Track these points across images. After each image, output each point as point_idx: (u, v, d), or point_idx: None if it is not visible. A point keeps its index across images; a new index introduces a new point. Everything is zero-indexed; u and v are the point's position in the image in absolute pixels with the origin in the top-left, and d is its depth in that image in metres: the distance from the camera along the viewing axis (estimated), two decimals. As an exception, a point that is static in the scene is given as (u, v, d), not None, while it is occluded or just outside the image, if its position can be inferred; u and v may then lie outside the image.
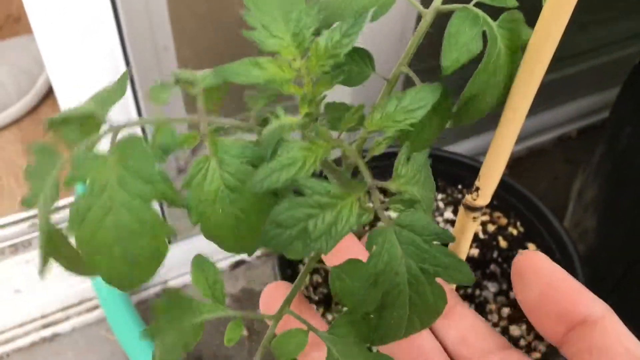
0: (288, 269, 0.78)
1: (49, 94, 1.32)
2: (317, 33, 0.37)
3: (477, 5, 0.38)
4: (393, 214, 0.33)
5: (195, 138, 0.34)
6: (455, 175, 0.92)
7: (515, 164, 1.25)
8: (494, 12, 0.37)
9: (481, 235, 0.85)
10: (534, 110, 1.19)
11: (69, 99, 0.71)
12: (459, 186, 0.93)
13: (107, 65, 0.68)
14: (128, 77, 0.34)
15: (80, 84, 0.69)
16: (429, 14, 0.42)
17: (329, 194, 0.30)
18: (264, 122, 0.35)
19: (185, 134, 0.33)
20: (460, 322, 0.37)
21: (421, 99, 0.38)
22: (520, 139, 1.27)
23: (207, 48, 0.86)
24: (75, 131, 0.26)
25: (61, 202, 0.99)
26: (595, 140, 1.04)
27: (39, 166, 0.26)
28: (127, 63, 0.71)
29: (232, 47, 0.93)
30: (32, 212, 1.10)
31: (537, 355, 0.73)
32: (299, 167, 0.30)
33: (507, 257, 0.83)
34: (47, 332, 0.95)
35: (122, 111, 0.73)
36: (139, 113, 0.76)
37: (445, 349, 0.37)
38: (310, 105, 0.38)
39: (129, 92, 0.73)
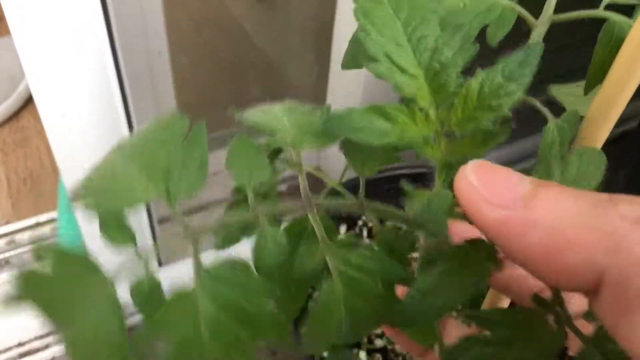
0: None
1: (32, 98, 1.15)
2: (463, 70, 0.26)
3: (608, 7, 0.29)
4: None
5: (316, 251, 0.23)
6: None
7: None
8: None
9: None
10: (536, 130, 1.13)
11: (50, 108, 0.56)
12: None
13: (94, 69, 0.54)
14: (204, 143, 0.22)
15: (63, 92, 0.55)
16: (540, 26, 0.31)
17: None
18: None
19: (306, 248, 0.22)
20: None
21: (592, 162, 0.27)
22: (525, 157, 1.21)
23: (204, 55, 0.73)
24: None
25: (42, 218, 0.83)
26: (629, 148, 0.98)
27: None
28: (117, 69, 0.58)
29: (230, 55, 0.80)
30: (11, 227, 0.94)
31: None
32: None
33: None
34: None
35: (111, 118, 0.59)
36: (129, 122, 0.62)
37: None
38: (448, 175, 0.27)
39: (117, 96, 0.59)
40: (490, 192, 0.21)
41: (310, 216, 0.25)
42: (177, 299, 0.22)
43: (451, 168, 0.27)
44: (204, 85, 0.79)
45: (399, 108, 0.26)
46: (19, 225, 0.96)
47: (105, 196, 0.22)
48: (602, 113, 0.29)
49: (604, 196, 0.19)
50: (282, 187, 0.93)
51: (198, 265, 0.22)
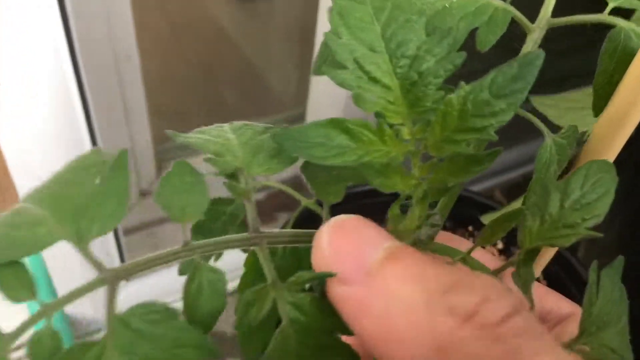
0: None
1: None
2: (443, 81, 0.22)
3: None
4: None
5: (265, 297, 0.19)
6: (464, 215, 0.79)
7: (512, 190, 1.15)
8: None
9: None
10: (530, 138, 1.10)
11: (4, 119, 0.52)
12: (469, 228, 0.80)
13: (51, 75, 0.50)
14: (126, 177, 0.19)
15: (17, 100, 0.50)
16: (537, 30, 0.28)
17: None
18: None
19: (248, 296, 0.19)
20: None
21: (599, 184, 0.24)
22: (517, 165, 1.18)
23: (178, 58, 0.69)
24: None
25: None
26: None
27: None
28: (77, 74, 0.53)
29: (207, 59, 0.76)
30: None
31: None
32: None
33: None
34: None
35: (71, 129, 0.54)
36: (92, 134, 0.58)
37: None
38: (423, 208, 0.23)
39: (79, 110, 0.54)
40: (337, 262, 0.19)
41: (259, 253, 0.21)
42: (78, 353, 0.17)
43: (426, 199, 0.23)
44: (178, 90, 0.74)
45: (364, 124, 0.22)
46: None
47: (2, 246, 0.18)
48: (611, 130, 0.26)
49: (447, 280, 0.18)
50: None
51: (111, 311, 0.18)
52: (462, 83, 0.22)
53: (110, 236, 0.67)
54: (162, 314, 0.18)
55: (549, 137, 0.27)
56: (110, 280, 0.19)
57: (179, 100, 0.74)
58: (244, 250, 0.23)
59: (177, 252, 0.20)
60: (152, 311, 0.18)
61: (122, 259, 0.70)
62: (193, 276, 0.20)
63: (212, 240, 0.21)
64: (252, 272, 0.25)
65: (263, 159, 0.22)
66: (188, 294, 0.19)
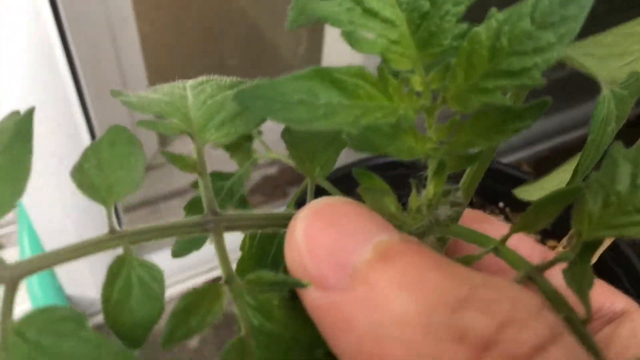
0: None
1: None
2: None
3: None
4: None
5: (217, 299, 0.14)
6: (494, 189, 0.71)
7: (540, 163, 1.08)
8: None
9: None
10: (558, 107, 1.02)
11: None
12: (500, 204, 0.73)
13: (31, 42, 0.45)
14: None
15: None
16: None
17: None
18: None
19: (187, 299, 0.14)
20: None
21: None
22: (544, 137, 1.10)
23: (178, 19, 0.63)
24: None
25: None
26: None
27: None
28: (63, 37, 0.48)
29: (209, 19, 0.70)
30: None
31: None
32: None
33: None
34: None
35: (61, 102, 0.50)
36: (83, 104, 0.53)
37: None
38: (439, 181, 0.17)
39: (67, 78, 0.50)
40: (314, 260, 0.15)
41: (214, 241, 0.16)
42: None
43: (444, 170, 0.17)
44: (179, 56, 0.69)
45: (360, 73, 0.16)
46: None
47: None
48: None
49: (457, 291, 0.13)
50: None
51: (5, 318, 0.13)
52: (494, 10, 0.16)
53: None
54: (69, 323, 0.13)
55: (606, 88, 0.20)
56: (6, 279, 0.14)
57: (180, 66, 0.69)
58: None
59: (101, 241, 0.15)
60: (56, 319, 0.13)
61: None
62: (117, 273, 0.14)
63: (149, 226, 0.15)
64: (251, 258, 0.20)
65: (221, 121, 0.17)
66: (109, 297, 0.14)
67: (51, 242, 0.60)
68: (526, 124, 0.16)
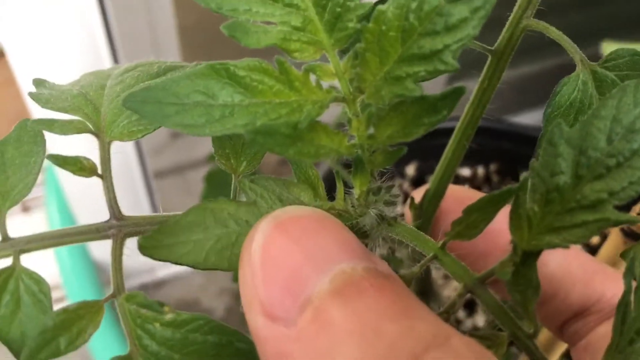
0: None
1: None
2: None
3: None
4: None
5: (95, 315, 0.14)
6: (519, 155, 0.63)
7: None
8: None
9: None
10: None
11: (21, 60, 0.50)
12: (492, 167, 0.65)
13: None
14: None
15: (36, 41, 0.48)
16: None
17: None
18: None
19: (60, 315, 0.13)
20: None
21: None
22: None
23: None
24: None
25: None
26: None
27: None
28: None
29: None
30: None
31: None
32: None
33: None
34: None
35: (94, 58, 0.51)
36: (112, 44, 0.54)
37: None
38: (364, 178, 0.15)
39: (102, 37, 0.51)
40: (266, 282, 0.13)
41: (112, 250, 0.15)
42: None
43: (363, 168, 0.15)
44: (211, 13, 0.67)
45: (261, 66, 0.14)
46: None
47: None
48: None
49: (412, 343, 0.11)
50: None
51: None
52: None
53: (138, 179, 0.64)
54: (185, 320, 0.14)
55: (581, 66, 0.17)
56: None
57: (213, 23, 0.67)
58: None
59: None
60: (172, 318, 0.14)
61: (153, 205, 0.67)
62: (4, 285, 0.14)
63: (44, 233, 0.15)
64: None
65: (130, 115, 0.16)
66: (-5, 310, 0.14)
67: (79, 206, 0.62)
68: (442, 115, 0.14)
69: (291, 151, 0.14)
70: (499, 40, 0.17)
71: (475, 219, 0.14)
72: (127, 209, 0.16)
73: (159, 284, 0.69)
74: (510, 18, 0.17)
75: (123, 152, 0.60)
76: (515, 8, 0.17)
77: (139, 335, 0.14)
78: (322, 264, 0.13)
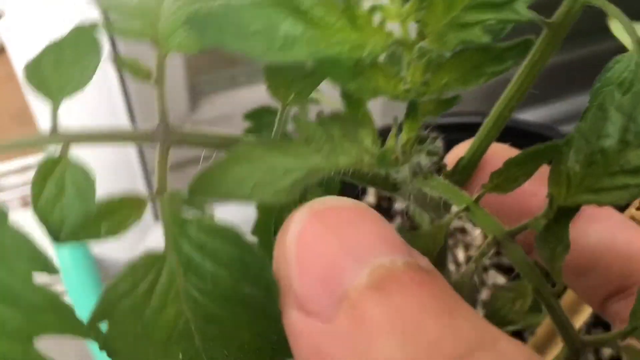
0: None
1: None
2: None
3: None
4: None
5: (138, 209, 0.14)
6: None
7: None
8: None
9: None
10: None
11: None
12: None
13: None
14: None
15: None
16: None
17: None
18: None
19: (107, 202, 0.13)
20: None
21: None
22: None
23: None
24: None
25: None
26: None
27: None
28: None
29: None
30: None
31: None
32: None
33: None
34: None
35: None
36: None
37: None
38: (414, 124, 0.16)
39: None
40: (302, 275, 0.12)
41: (158, 153, 0.15)
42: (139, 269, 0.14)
43: (416, 114, 0.16)
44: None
45: (327, 2, 0.15)
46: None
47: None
48: None
49: (454, 351, 0.11)
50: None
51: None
52: None
53: (138, 175, 0.63)
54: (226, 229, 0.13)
55: (637, 47, 0.18)
56: None
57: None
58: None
59: (41, 139, 0.15)
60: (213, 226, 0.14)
61: (155, 212, 0.67)
62: (50, 171, 0.14)
63: (94, 129, 0.15)
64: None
65: (191, 31, 0.16)
66: (39, 193, 0.14)
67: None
68: (506, 66, 0.14)
69: (353, 84, 0.14)
70: (556, 14, 0.18)
71: (514, 173, 0.15)
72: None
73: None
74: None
75: (123, 147, 0.60)
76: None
77: (175, 235, 0.14)
78: (360, 257, 0.12)
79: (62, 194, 0.14)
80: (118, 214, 0.14)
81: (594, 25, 0.18)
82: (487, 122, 0.20)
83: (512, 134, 0.65)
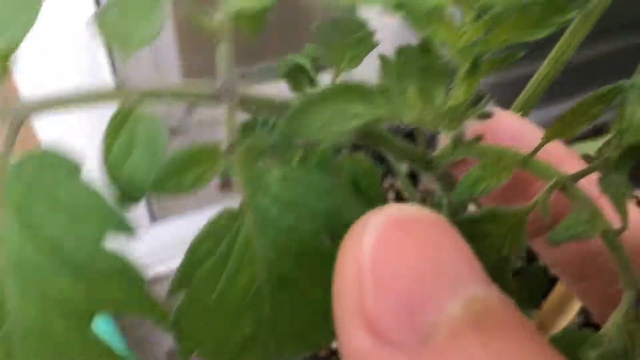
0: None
1: None
2: None
3: None
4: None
5: (214, 163, 0.13)
6: None
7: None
8: None
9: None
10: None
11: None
12: None
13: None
14: None
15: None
16: None
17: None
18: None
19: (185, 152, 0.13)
20: None
21: None
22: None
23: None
24: None
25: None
26: None
27: None
28: None
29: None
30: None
31: None
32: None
33: None
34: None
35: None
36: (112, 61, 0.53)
37: None
38: (474, 82, 0.16)
39: None
40: (378, 298, 0.10)
41: (226, 112, 0.15)
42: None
43: (477, 71, 0.16)
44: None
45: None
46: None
47: None
48: None
49: None
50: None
51: (4, 156, 0.13)
52: None
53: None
54: (63, 170, 0.13)
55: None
56: (12, 115, 0.14)
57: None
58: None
59: (109, 93, 0.14)
60: (50, 165, 0.13)
61: (148, 198, 0.66)
62: (121, 123, 0.14)
63: (162, 86, 0.15)
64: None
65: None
66: (110, 149, 0.14)
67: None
68: (569, 17, 0.14)
69: (427, 30, 0.14)
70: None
71: (579, 115, 0.15)
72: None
73: (154, 281, 0.69)
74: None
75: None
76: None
77: (252, 188, 0.14)
78: (452, 282, 0.11)
79: (133, 149, 0.14)
80: (199, 165, 0.13)
81: (598, 28, 0.19)
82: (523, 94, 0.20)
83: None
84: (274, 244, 0.14)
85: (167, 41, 0.60)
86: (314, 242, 0.14)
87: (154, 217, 0.69)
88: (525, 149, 0.16)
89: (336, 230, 0.14)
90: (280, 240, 0.14)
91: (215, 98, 0.15)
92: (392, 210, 0.11)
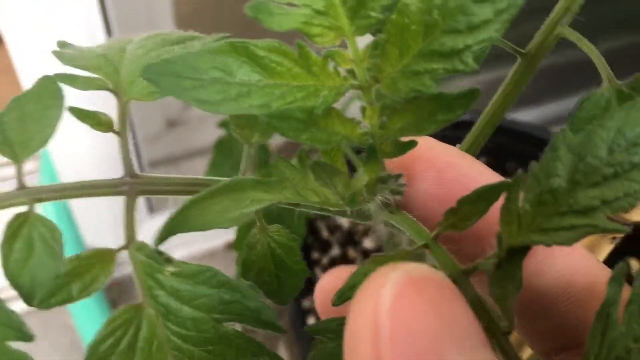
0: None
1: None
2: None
3: None
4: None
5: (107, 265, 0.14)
6: (519, 151, 0.65)
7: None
8: None
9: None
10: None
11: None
12: (506, 165, 0.67)
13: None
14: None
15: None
16: None
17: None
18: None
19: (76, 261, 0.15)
20: None
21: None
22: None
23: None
24: None
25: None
26: None
27: None
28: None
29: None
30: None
31: None
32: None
33: None
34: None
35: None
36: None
37: None
38: (374, 166, 0.16)
39: (100, 26, 0.51)
40: (395, 354, 0.11)
41: (125, 205, 0.16)
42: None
43: (375, 157, 0.16)
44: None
45: (282, 49, 0.15)
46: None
47: None
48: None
49: None
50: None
51: None
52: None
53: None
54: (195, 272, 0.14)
55: (608, 83, 0.18)
56: None
57: (211, 11, 0.66)
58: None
59: (8, 197, 0.15)
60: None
61: (149, 206, 0.68)
62: (18, 230, 0.15)
63: (60, 184, 0.15)
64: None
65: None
66: (8, 254, 0.15)
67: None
68: (456, 114, 0.14)
69: (304, 136, 0.14)
70: (530, 44, 0.18)
71: (468, 211, 0.15)
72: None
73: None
74: (546, 23, 0.18)
75: (117, 140, 0.61)
76: (552, 14, 0.17)
77: (150, 285, 0.15)
78: (463, 344, 0.11)
79: (32, 253, 0.15)
80: (88, 273, 0.14)
81: (586, 27, 0.18)
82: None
83: (504, 133, 0.65)
84: (179, 333, 0.15)
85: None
86: (216, 329, 0.15)
87: (152, 209, 0.70)
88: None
89: (234, 317, 0.15)
90: (185, 329, 0.15)
91: (113, 191, 0.16)
92: (408, 268, 0.12)
